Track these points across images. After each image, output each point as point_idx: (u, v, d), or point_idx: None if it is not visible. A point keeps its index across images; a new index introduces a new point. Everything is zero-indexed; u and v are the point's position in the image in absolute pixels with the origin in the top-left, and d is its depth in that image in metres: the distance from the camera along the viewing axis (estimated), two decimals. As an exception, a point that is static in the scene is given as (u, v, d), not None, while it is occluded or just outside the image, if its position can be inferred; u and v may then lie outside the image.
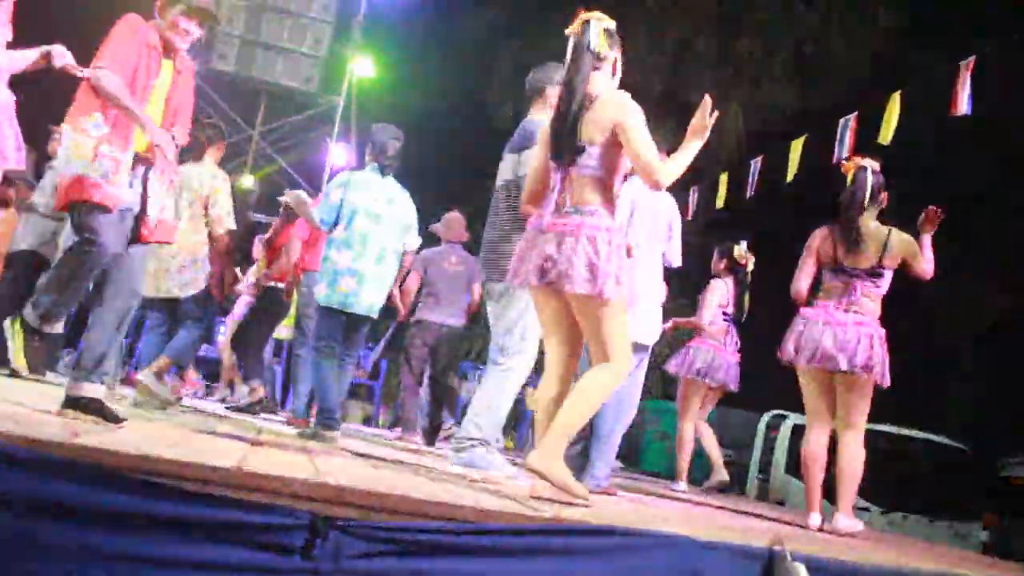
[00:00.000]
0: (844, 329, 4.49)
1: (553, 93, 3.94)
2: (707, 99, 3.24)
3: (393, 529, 2.38)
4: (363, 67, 13.20)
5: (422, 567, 2.37)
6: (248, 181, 11.70)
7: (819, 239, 4.70)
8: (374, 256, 4.90)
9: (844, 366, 4.42)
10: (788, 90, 15.81)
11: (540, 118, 4.01)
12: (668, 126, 15.29)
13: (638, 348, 4.71)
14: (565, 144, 3.21)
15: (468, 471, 3.67)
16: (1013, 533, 10.26)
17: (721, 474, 6.65)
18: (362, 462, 3.64)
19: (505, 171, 4.12)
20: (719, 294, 6.85)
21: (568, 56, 3.28)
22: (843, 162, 4.85)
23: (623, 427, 4.73)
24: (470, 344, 13.72)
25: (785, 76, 16.12)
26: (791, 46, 16.21)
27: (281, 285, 6.50)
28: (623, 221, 4.81)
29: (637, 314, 4.65)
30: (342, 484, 2.44)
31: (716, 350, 6.73)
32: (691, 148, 3.26)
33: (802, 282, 4.69)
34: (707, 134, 3.27)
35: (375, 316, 5.02)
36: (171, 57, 3.58)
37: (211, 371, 9.76)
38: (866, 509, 9.77)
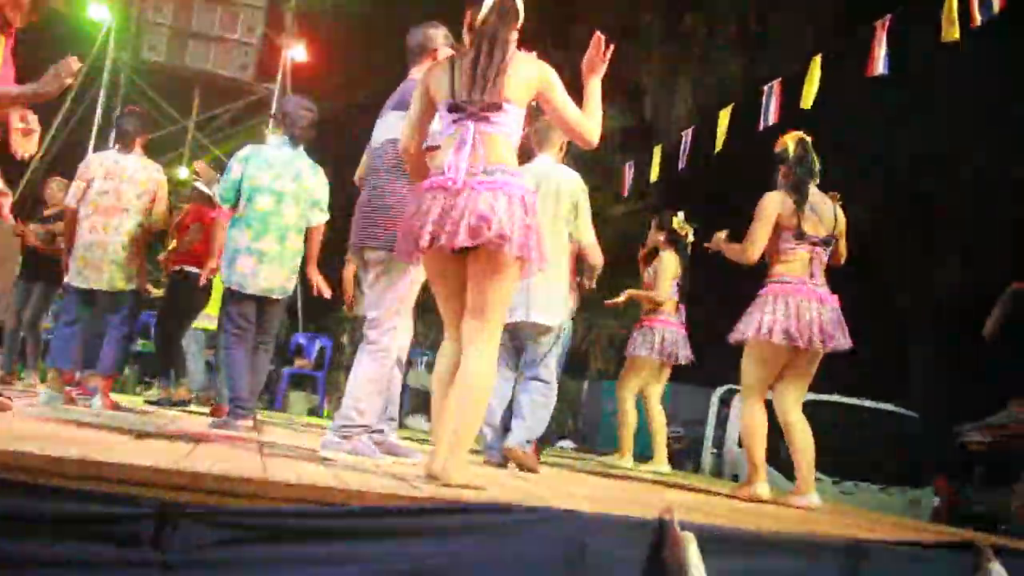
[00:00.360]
0: (831, 307, 4.41)
1: (445, 52, 3.78)
2: (598, 35, 3.16)
3: (247, 515, 2.23)
4: (298, 52, 12.96)
5: (280, 553, 2.22)
6: (183, 173, 11.44)
7: (776, 205, 4.50)
8: (275, 235, 4.72)
9: (844, 345, 4.36)
10: (733, 64, 15.74)
11: None
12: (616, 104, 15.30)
13: (542, 328, 4.60)
14: (481, 98, 2.98)
15: (357, 459, 3.48)
16: (965, 498, 10.32)
17: (664, 466, 6.51)
18: (246, 450, 3.46)
19: (388, 130, 3.79)
20: (672, 266, 6.69)
21: (489, 8, 3.05)
22: (781, 136, 4.73)
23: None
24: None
25: (731, 51, 16.05)
26: (735, 21, 16.15)
27: (195, 270, 6.10)
28: None
29: (540, 295, 4.54)
30: (194, 470, 2.29)
31: (676, 326, 6.61)
32: (595, 89, 3.18)
33: (757, 250, 4.50)
34: (603, 69, 3.18)
35: (279, 297, 4.84)
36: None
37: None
38: (818, 479, 9.78)
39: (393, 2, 13.27)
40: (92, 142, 11.98)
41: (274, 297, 4.81)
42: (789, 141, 4.61)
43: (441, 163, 2.98)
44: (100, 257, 5.13)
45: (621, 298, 6.72)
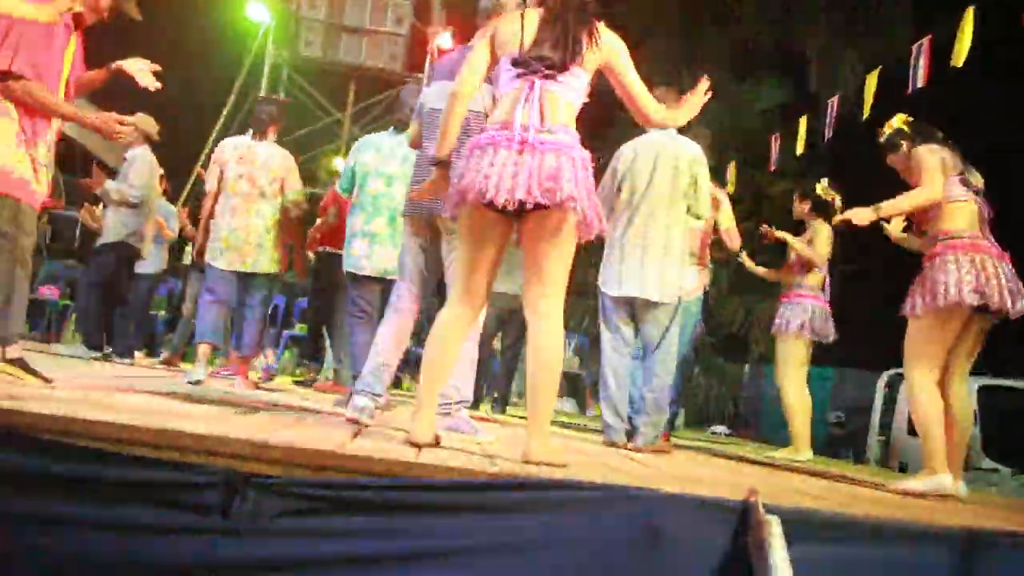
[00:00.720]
0: (1008, 265, 4.01)
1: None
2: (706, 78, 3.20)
3: (314, 486, 2.24)
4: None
5: (346, 525, 2.22)
6: (339, 163, 11.84)
7: (934, 153, 4.11)
8: (385, 217, 4.78)
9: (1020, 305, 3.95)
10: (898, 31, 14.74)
11: None
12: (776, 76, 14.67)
13: (655, 305, 4.44)
14: (554, 57, 2.88)
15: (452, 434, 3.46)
16: None
17: (804, 452, 6.05)
18: (316, 421, 3.50)
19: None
20: (826, 232, 6.10)
21: None
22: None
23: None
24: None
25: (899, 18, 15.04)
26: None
27: (336, 250, 6.18)
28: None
29: (653, 271, 4.38)
30: (262, 440, 2.32)
31: (823, 303, 6.12)
32: (678, 115, 3.23)
33: (937, 186, 4.05)
34: (692, 113, 3.22)
35: (394, 278, 4.90)
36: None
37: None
38: (995, 470, 9.05)
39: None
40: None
41: (390, 278, 4.87)
42: (895, 122, 4.35)
43: (500, 118, 2.90)
44: (242, 240, 5.33)
45: (777, 234, 6.20)
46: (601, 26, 2.98)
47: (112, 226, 6.71)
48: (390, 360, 3.64)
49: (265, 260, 5.36)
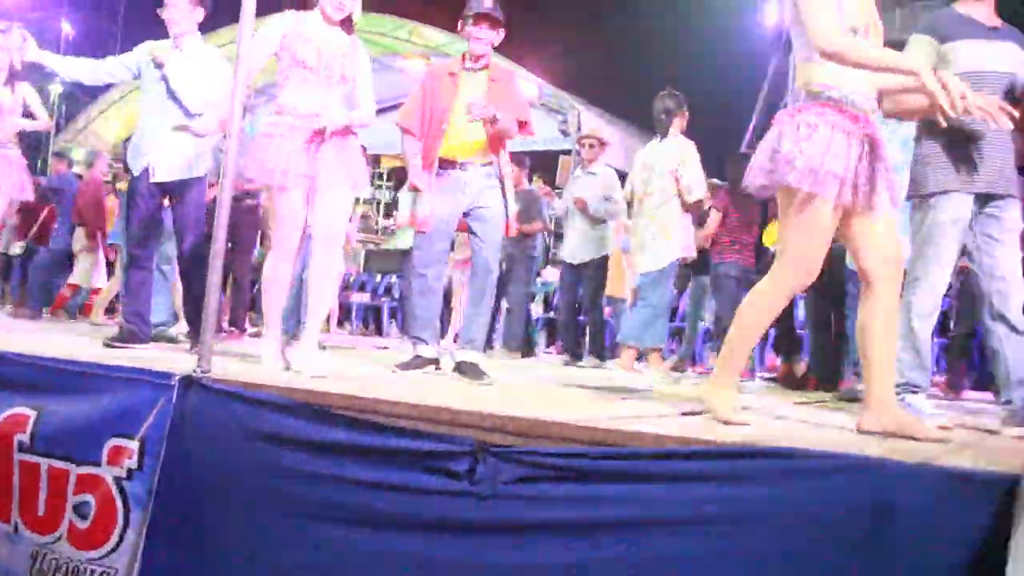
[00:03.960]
0: None
1: None
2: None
3: (544, 454, 2.37)
4: None
5: (574, 492, 2.30)
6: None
7: None
8: None
9: None
10: None
11: None
12: None
13: None
14: None
15: None
16: None
17: None
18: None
19: None
20: None
21: None
22: None
23: None
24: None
25: None
26: None
27: None
28: None
29: None
30: (503, 413, 2.50)
31: None
32: (902, 64, 2.64)
33: None
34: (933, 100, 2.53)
35: None
36: None
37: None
38: None
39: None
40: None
41: None
42: None
43: (852, 90, 2.70)
44: (636, 244, 5.56)
45: None
46: None
47: None
48: None
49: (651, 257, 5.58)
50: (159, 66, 4.51)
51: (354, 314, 11.29)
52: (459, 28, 4.09)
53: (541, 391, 3.93)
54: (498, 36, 4.06)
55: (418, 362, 4.06)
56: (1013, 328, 3.27)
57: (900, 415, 2.66)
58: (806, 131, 2.63)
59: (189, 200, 4.60)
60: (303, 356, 3.63)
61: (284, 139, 3.64)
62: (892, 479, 1.97)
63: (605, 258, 6.99)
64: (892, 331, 2.72)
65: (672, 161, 5.38)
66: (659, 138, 5.54)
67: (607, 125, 10.59)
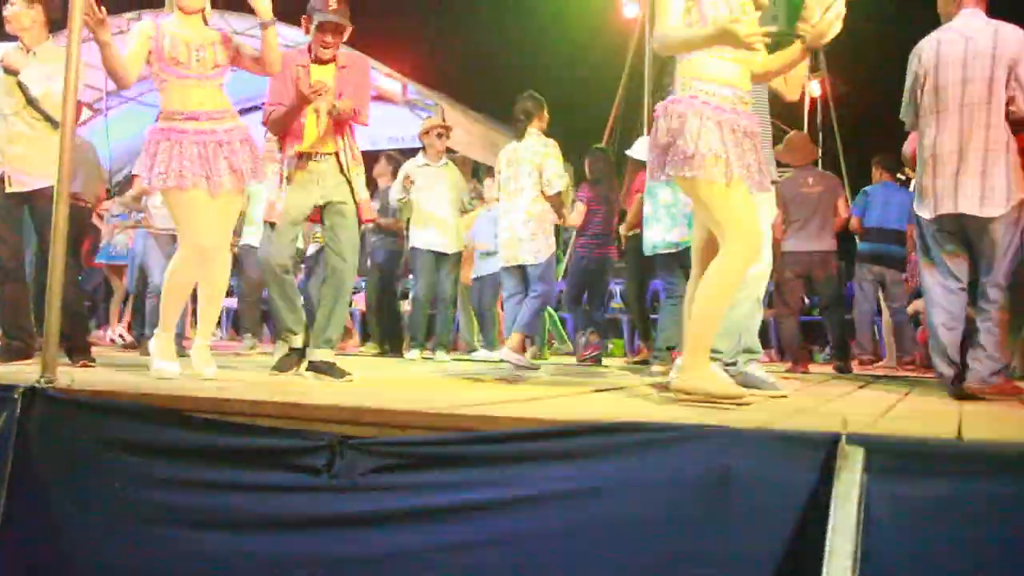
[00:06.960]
0: None
1: None
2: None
3: (400, 443, 2.39)
4: None
5: (428, 479, 2.33)
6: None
7: None
8: None
9: None
10: None
11: None
12: None
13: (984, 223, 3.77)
14: None
15: None
16: None
17: None
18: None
19: None
20: None
21: None
22: None
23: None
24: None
25: None
26: None
27: None
28: None
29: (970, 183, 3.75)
30: (357, 405, 2.51)
31: None
32: (710, 32, 2.83)
33: None
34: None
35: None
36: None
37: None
38: None
39: None
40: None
41: None
42: None
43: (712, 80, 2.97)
44: (508, 237, 5.61)
45: None
46: None
47: None
48: None
49: (529, 252, 5.65)
50: (13, 73, 4.33)
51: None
52: (304, 29, 4.06)
53: (405, 384, 3.96)
54: (345, 36, 4.05)
55: (291, 361, 4.09)
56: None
57: (704, 376, 2.88)
58: (678, 122, 2.83)
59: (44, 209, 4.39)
60: (198, 358, 3.76)
61: (173, 142, 3.69)
62: (729, 445, 2.08)
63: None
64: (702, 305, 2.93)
65: (536, 158, 5.51)
66: (516, 139, 5.64)
67: (473, 124, 10.66)
